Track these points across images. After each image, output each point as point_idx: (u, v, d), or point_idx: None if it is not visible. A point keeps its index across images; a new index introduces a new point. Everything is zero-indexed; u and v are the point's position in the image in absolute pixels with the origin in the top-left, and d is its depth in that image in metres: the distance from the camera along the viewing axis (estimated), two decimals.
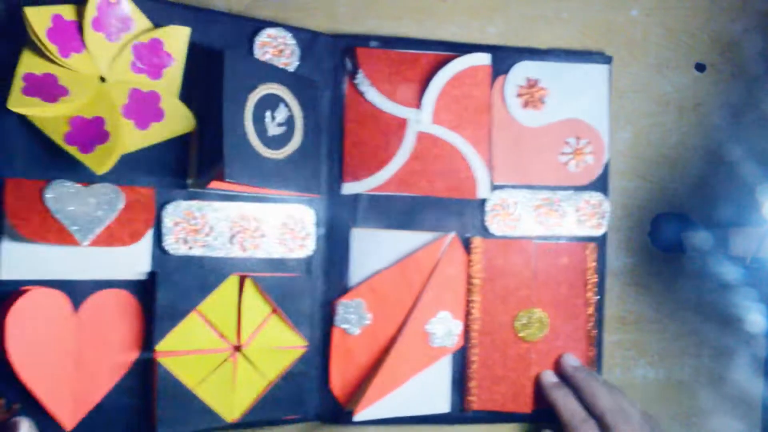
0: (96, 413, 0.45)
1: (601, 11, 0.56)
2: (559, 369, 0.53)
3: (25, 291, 0.43)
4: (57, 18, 0.42)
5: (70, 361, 0.44)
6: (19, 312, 0.42)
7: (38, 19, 0.41)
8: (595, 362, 0.54)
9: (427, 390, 0.52)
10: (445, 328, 0.52)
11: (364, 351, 0.51)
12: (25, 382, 0.42)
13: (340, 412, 0.51)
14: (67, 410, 0.44)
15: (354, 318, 0.51)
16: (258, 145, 0.45)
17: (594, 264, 0.54)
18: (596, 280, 0.54)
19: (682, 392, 0.56)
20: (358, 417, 0.50)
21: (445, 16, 0.54)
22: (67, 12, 0.42)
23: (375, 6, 0.54)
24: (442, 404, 0.52)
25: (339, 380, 0.51)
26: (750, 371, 0.56)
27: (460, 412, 0.53)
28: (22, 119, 0.42)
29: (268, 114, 0.46)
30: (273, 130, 0.46)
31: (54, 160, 0.43)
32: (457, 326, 0.52)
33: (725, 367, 0.56)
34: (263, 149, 0.45)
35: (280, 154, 0.46)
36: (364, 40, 0.52)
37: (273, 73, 0.47)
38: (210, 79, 0.45)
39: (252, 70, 0.46)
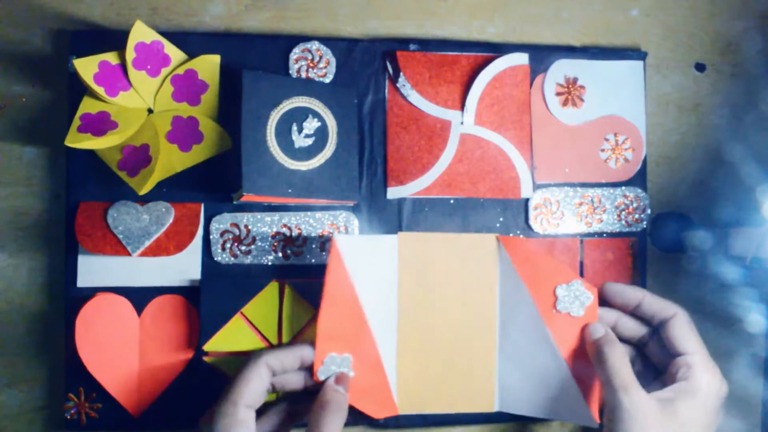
0: (159, 404, 0.50)
1: (601, 11, 0.56)
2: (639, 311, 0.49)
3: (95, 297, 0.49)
4: (104, 64, 0.49)
5: (136, 358, 0.49)
6: (85, 315, 0.49)
7: (85, 67, 0.48)
8: None
9: (475, 389, 0.52)
10: (574, 295, 0.49)
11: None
12: (94, 375, 0.48)
13: (392, 417, 0.51)
14: (134, 401, 0.49)
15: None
16: (283, 158, 0.48)
17: (636, 259, 0.54)
18: (638, 274, 0.54)
19: None
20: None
21: (445, 16, 0.54)
22: (112, 57, 0.49)
23: (375, 6, 0.54)
24: (488, 404, 0.52)
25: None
26: (750, 371, 0.56)
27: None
28: (92, 153, 0.49)
29: (294, 127, 0.49)
30: (300, 142, 0.49)
31: (120, 184, 0.49)
32: (588, 297, 0.48)
33: (725, 367, 0.56)
34: (289, 161, 0.48)
35: (310, 164, 0.49)
36: (402, 43, 0.53)
37: (300, 87, 0.50)
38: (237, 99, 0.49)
39: (274, 87, 0.49)
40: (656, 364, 0.49)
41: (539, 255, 0.50)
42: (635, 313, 0.50)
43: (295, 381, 0.46)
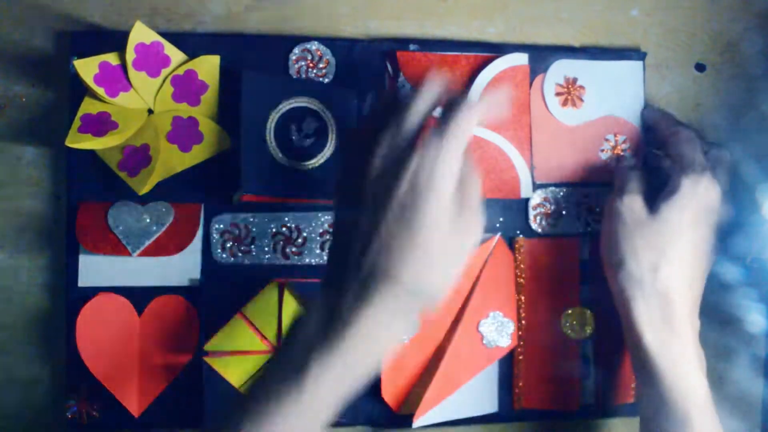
0: (158, 404, 0.50)
1: (601, 11, 0.56)
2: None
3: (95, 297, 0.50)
4: (104, 64, 0.49)
5: (136, 358, 0.50)
6: (86, 315, 0.49)
7: (85, 68, 0.48)
8: None
9: (476, 391, 0.52)
10: (497, 327, 0.52)
11: (414, 357, 0.51)
12: (94, 375, 0.49)
13: (391, 417, 0.52)
14: (134, 400, 0.50)
15: None
16: (283, 158, 0.48)
17: None
18: None
19: None
20: (417, 423, 0.50)
21: (445, 16, 0.54)
22: (113, 58, 0.49)
23: (375, 6, 0.54)
24: (491, 404, 0.53)
25: (390, 387, 0.51)
26: (750, 371, 0.56)
27: (508, 412, 0.53)
28: (93, 153, 0.49)
29: (293, 127, 0.49)
30: (300, 142, 0.49)
31: (120, 184, 0.49)
32: (509, 325, 0.52)
33: (725, 367, 0.56)
34: (289, 161, 0.48)
35: (310, 164, 0.49)
36: (402, 43, 0.53)
37: (300, 87, 0.50)
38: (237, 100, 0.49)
39: (273, 87, 0.49)
40: None
41: (507, 278, 0.52)
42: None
43: None
